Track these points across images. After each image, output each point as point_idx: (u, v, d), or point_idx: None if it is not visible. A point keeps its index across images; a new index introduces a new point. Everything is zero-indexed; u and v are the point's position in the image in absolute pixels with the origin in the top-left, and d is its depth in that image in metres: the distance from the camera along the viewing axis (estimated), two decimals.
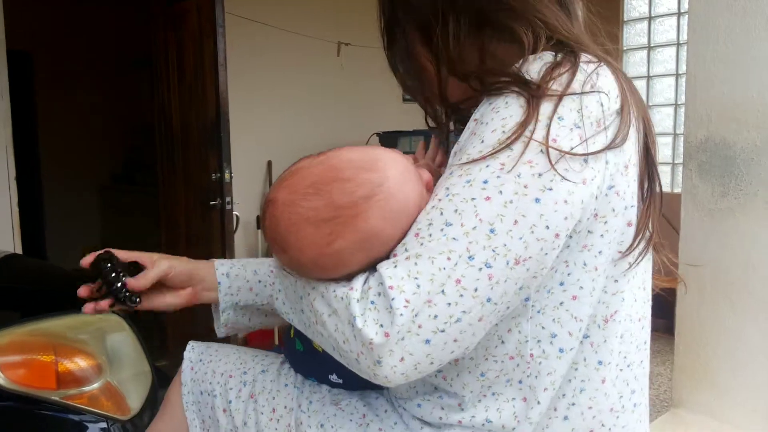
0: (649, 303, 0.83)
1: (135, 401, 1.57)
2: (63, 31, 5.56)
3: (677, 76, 4.38)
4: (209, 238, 3.19)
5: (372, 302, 0.64)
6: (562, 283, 0.71)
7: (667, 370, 3.23)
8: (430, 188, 0.76)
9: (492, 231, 0.64)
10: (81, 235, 5.91)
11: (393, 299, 0.63)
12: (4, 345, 1.49)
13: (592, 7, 0.84)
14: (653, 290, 0.84)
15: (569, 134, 0.67)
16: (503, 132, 0.67)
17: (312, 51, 3.95)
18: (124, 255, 0.97)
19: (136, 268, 0.96)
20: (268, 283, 1.05)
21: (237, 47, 3.35)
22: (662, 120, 4.43)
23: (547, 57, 0.72)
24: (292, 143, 3.85)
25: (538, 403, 0.74)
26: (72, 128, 5.71)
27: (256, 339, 3.34)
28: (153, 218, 4.11)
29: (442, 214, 0.66)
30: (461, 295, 0.63)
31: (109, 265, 0.92)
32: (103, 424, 1.48)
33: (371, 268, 0.69)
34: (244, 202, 3.55)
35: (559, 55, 0.72)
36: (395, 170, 0.73)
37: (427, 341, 0.63)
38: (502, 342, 0.73)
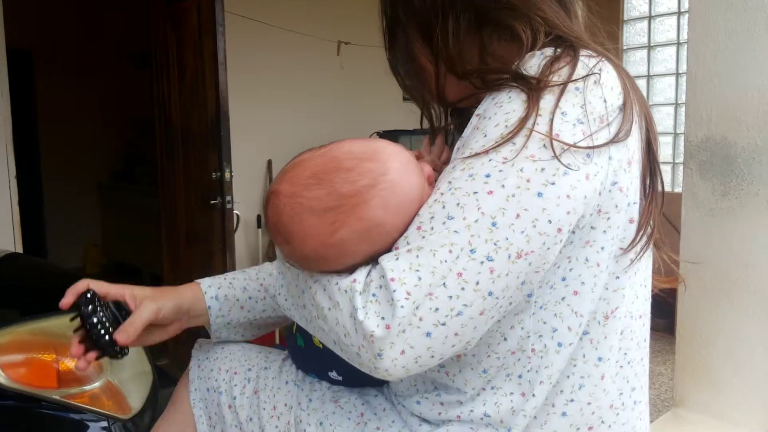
0: (649, 301, 0.83)
1: (136, 400, 1.57)
2: (63, 30, 5.57)
3: (677, 75, 4.38)
4: (209, 236, 3.19)
5: (374, 294, 0.65)
6: (564, 279, 0.72)
7: (668, 370, 3.23)
8: (431, 182, 0.76)
9: (494, 224, 0.64)
10: (81, 234, 5.92)
11: (394, 291, 0.63)
12: (5, 344, 1.49)
13: (592, 7, 0.84)
14: (653, 290, 0.84)
15: (572, 129, 0.67)
16: (506, 126, 0.67)
17: (312, 50, 3.95)
18: (105, 290, 0.92)
19: (120, 308, 0.90)
20: (259, 299, 1.07)
21: (237, 46, 3.35)
22: (662, 119, 4.43)
23: (547, 51, 0.72)
24: (292, 142, 3.84)
25: (534, 396, 0.74)
26: (72, 127, 5.71)
27: (257, 338, 3.33)
28: (153, 217, 4.11)
29: (444, 207, 0.66)
30: (462, 288, 0.63)
31: (90, 308, 0.86)
32: (104, 423, 1.48)
33: (374, 261, 0.69)
34: (244, 201, 3.55)
35: (558, 50, 0.72)
36: (397, 161, 0.73)
37: (428, 334, 0.63)
38: (505, 339, 0.73)
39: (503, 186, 0.65)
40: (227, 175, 3.04)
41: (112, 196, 5.94)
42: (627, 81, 0.73)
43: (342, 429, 0.87)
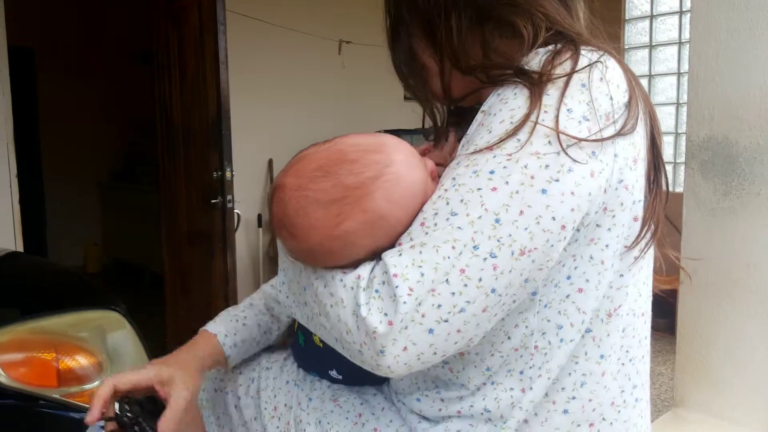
0: (651, 299, 0.83)
1: None
2: (65, 28, 5.58)
3: (679, 74, 4.38)
4: (210, 236, 3.19)
5: (377, 291, 0.64)
6: (569, 277, 0.71)
7: (668, 370, 3.23)
8: (434, 177, 0.76)
9: (497, 221, 0.64)
10: (82, 233, 5.93)
11: (397, 287, 0.63)
12: (5, 343, 1.49)
13: (593, 7, 0.84)
14: (653, 290, 0.84)
15: (578, 127, 0.66)
16: (511, 123, 0.67)
17: (313, 49, 3.95)
18: (131, 385, 0.86)
19: (152, 401, 0.86)
20: (273, 330, 1.08)
21: (238, 45, 3.35)
22: (664, 119, 4.42)
23: (548, 48, 0.72)
24: (293, 142, 3.84)
25: (531, 389, 0.74)
26: (73, 125, 5.72)
27: None
28: (153, 216, 4.11)
29: (447, 203, 0.66)
30: (465, 285, 0.63)
31: (127, 419, 0.81)
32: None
33: (377, 256, 0.68)
34: (245, 200, 3.55)
35: (559, 45, 0.72)
36: (401, 154, 0.73)
37: (431, 331, 0.63)
38: (509, 338, 0.73)
39: (507, 182, 0.65)
40: (228, 174, 3.04)
41: (113, 195, 5.95)
42: (631, 77, 0.73)
43: (340, 428, 0.87)
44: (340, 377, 0.93)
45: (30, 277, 1.99)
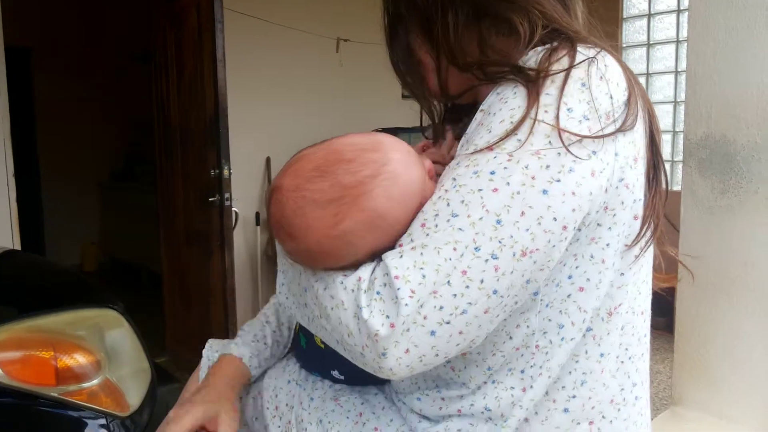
0: (650, 297, 0.83)
1: (134, 398, 1.57)
2: (62, 27, 5.56)
3: (677, 73, 4.38)
4: (208, 234, 3.19)
5: (378, 292, 0.64)
6: (570, 276, 0.71)
7: (666, 368, 3.23)
8: (432, 176, 0.76)
9: (498, 222, 0.64)
10: (79, 231, 5.92)
11: (398, 289, 0.63)
12: (3, 341, 1.48)
13: (591, 6, 0.83)
14: (652, 288, 0.84)
15: (578, 126, 0.66)
16: (511, 123, 0.67)
17: (311, 47, 3.95)
18: (191, 425, 0.88)
19: None
20: (287, 342, 1.08)
21: (236, 43, 3.34)
22: (662, 117, 4.42)
23: (545, 46, 0.72)
24: (291, 140, 3.84)
25: (531, 387, 0.74)
26: (71, 124, 5.71)
27: None
28: (151, 215, 4.10)
29: (448, 204, 0.66)
30: (467, 287, 0.63)
31: None
32: (102, 421, 1.47)
33: (377, 257, 0.68)
34: (242, 198, 3.55)
35: (555, 42, 0.72)
36: (398, 152, 0.73)
37: (433, 333, 0.63)
38: (510, 338, 0.73)
39: (508, 183, 0.65)
40: (226, 172, 3.03)
41: (111, 194, 5.94)
42: (630, 75, 0.73)
43: (340, 427, 0.87)
44: (342, 377, 0.93)
45: (28, 275, 1.99)
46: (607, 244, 0.71)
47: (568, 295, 0.72)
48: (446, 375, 0.78)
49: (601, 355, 0.75)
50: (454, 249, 0.63)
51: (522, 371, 0.74)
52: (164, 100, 3.44)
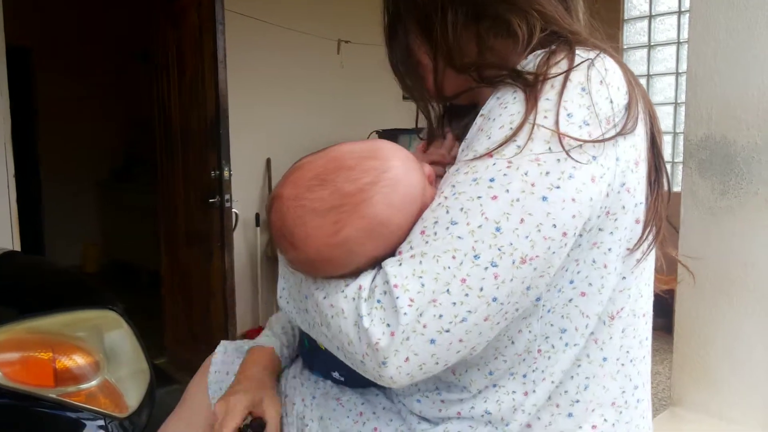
0: (652, 299, 0.83)
1: (133, 399, 1.57)
2: (63, 27, 5.57)
3: (677, 74, 4.38)
4: (208, 235, 3.19)
5: (378, 300, 0.64)
6: (572, 281, 0.71)
7: (665, 369, 3.23)
8: (431, 181, 0.76)
9: (498, 230, 0.63)
10: (80, 232, 5.92)
11: (398, 298, 0.63)
12: (2, 342, 1.48)
13: (593, 8, 0.83)
14: (654, 290, 0.84)
15: (578, 131, 0.66)
16: (510, 128, 0.67)
17: (312, 48, 3.95)
18: (242, 412, 0.91)
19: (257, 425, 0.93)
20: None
21: (237, 44, 3.34)
22: (662, 119, 4.42)
23: (544, 50, 0.72)
24: (291, 141, 3.84)
25: (534, 392, 0.74)
26: (72, 124, 5.71)
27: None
28: (152, 215, 4.10)
29: (448, 212, 0.66)
30: (466, 295, 0.63)
31: None
32: (101, 422, 1.47)
33: (378, 264, 0.68)
34: (243, 199, 3.55)
35: (554, 45, 0.72)
36: (398, 159, 0.73)
37: (432, 341, 0.63)
38: (512, 342, 0.73)
39: (507, 190, 0.64)
40: (226, 173, 3.03)
41: (112, 194, 5.94)
42: (630, 77, 0.73)
43: (341, 425, 0.87)
44: (343, 379, 0.94)
45: (27, 276, 1.99)
46: (609, 249, 0.71)
47: (570, 300, 0.72)
48: (447, 378, 0.78)
49: (604, 359, 0.75)
50: (453, 257, 0.63)
51: (524, 375, 0.74)
52: (165, 101, 3.44)
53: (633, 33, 4.64)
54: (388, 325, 0.63)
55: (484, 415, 0.76)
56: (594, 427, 0.76)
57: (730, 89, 1.86)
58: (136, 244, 5.35)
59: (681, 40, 4.32)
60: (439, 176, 0.79)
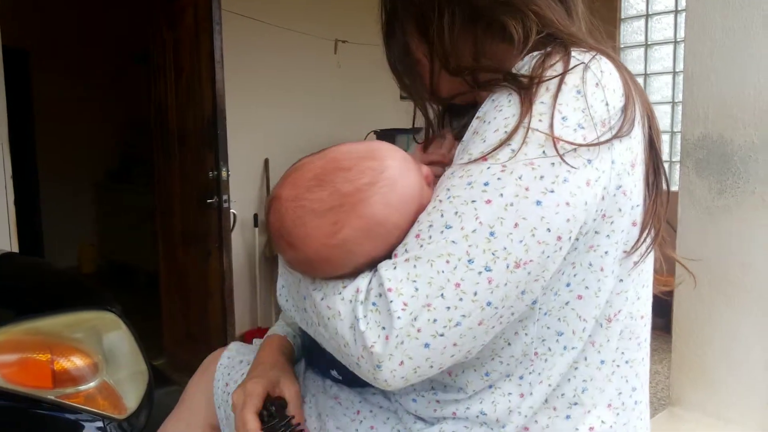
0: (650, 301, 0.82)
1: (131, 400, 1.57)
2: (60, 29, 5.55)
3: (674, 73, 4.39)
4: (206, 236, 3.18)
5: (374, 303, 0.64)
6: (568, 284, 0.71)
7: (664, 369, 3.23)
8: (429, 182, 0.76)
9: (492, 234, 0.63)
10: (77, 233, 5.91)
11: (391, 302, 0.63)
12: (0, 344, 1.48)
13: (592, 7, 0.83)
14: (652, 292, 0.84)
15: (573, 135, 0.66)
16: (505, 132, 0.67)
17: (309, 48, 3.94)
18: (262, 392, 0.88)
19: (279, 406, 0.91)
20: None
21: (234, 44, 3.34)
22: (659, 118, 4.39)
23: (540, 52, 0.72)
24: (289, 141, 3.84)
25: (531, 395, 0.74)
26: (70, 125, 5.70)
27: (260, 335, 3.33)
28: (149, 216, 4.10)
29: (442, 216, 0.66)
30: (460, 299, 0.63)
31: (278, 422, 0.87)
32: (99, 423, 1.47)
33: (376, 265, 0.68)
34: (240, 200, 3.55)
35: (549, 48, 0.71)
36: (395, 160, 0.73)
37: (427, 345, 0.63)
38: (509, 344, 0.73)
39: (501, 195, 0.64)
40: (224, 173, 3.03)
41: (108, 195, 5.93)
42: (628, 78, 0.72)
43: (339, 423, 0.88)
44: (341, 378, 0.94)
45: (25, 277, 1.99)
46: (606, 252, 0.71)
47: (567, 303, 0.72)
48: (443, 379, 0.78)
49: (602, 362, 0.75)
50: (447, 261, 0.63)
51: (521, 378, 0.74)
52: (162, 101, 3.44)
53: (630, 32, 4.65)
54: (383, 328, 0.63)
55: (479, 416, 0.76)
56: (591, 429, 0.76)
57: (726, 88, 1.87)
58: (134, 245, 5.34)
59: (678, 39, 4.33)
60: (438, 176, 0.79)
